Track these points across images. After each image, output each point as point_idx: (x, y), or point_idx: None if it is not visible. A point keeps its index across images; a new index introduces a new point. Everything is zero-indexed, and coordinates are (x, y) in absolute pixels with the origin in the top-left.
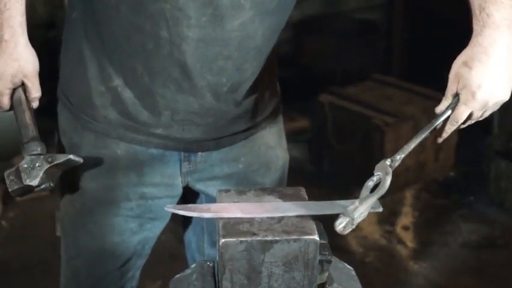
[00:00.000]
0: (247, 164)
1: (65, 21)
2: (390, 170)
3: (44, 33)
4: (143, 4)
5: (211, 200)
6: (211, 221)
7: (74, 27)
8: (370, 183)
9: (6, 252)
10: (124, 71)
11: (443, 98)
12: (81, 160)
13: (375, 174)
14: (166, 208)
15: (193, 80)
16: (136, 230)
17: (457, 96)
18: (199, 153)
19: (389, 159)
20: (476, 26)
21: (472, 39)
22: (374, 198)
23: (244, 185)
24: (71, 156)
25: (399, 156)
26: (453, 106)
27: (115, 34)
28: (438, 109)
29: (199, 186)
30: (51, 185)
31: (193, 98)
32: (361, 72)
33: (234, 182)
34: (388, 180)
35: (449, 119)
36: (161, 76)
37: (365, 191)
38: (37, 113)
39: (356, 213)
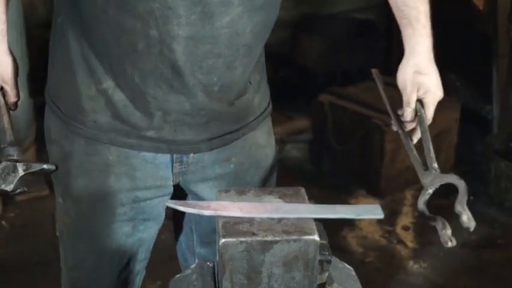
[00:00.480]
0: (238, 164)
1: (52, 27)
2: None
3: (44, 33)
4: (132, 4)
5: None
6: (200, 223)
7: (60, 32)
8: (427, 197)
9: (6, 252)
10: (114, 73)
11: (407, 107)
12: (53, 167)
13: (429, 187)
14: (166, 203)
15: (184, 79)
16: (130, 233)
17: (418, 101)
18: (191, 154)
19: (433, 170)
20: (413, 37)
21: (411, 49)
22: (465, 201)
23: (235, 185)
24: (45, 166)
25: (436, 165)
26: (419, 110)
27: (104, 36)
28: (409, 117)
29: (190, 187)
30: (25, 189)
31: (184, 98)
32: (361, 72)
33: (225, 182)
34: (464, 184)
35: (422, 120)
36: (152, 76)
37: (422, 205)
38: (37, 114)
39: (471, 221)
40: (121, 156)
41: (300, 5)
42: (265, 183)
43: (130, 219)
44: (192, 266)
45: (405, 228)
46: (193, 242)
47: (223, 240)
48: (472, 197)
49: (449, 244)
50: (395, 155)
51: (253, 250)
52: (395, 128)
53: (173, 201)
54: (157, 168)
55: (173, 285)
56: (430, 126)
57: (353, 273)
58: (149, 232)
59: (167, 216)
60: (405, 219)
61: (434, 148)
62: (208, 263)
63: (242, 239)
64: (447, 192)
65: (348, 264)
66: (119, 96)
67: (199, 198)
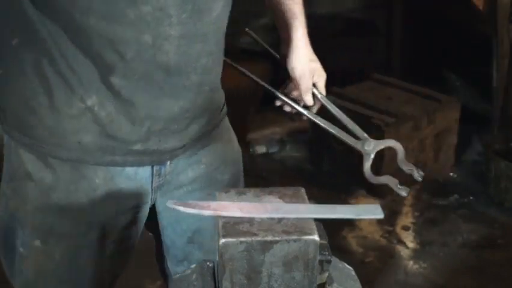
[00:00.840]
0: (208, 164)
1: (2, 54)
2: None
3: None
4: (121, 13)
5: (173, 217)
6: (172, 246)
7: (21, 56)
8: (371, 161)
9: None
10: (99, 88)
11: (305, 92)
12: None
13: (372, 153)
14: (167, 204)
15: (176, 81)
16: (111, 267)
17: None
18: (168, 163)
19: (368, 138)
20: (300, 28)
21: (299, 40)
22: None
23: (207, 186)
24: None
25: (366, 134)
26: (317, 92)
27: (85, 51)
28: (311, 101)
29: (164, 199)
30: None
31: (174, 101)
32: (361, 72)
33: (198, 185)
34: (400, 145)
35: (328, 102)
36: (142, 83)
37: (369, 170)
38: None
39: (420, 172)
40: (107, 177)
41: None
42: (235, 178)
43: (114, 251)
44: (192, 266)
45: (405, 228)
46: (168, 266)
47: (223, 240)
48: (472, 197)
49: (406, 193)
50: (395, 155)
51: (253, 250)
52: (288, 109)
53: (173, 201)
54: (138, 185)
55: (173, 285)
56: (431, 126)
57: (353, 273)
58: (122, 268)
59: None
60: (405, 219)
61: (434, 148)
62: (208, 263)
63: (242, 239)
64: (447, 193)
65: (348, 264)
66: (106, 111)
67: (170, 214)
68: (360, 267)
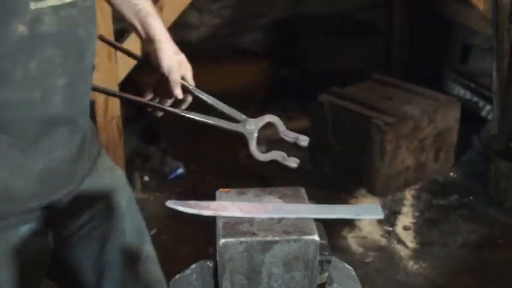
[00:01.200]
0: (99, 198)
1: None
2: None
3: None
4: (7, 75)
5: (77, 256)
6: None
7: None
8: (256, 140)
9: None
10: None
11: (175, 85)
12: None
13: (255, 132)
14: (166, 204)
15: (67, 129)
16: None
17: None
18: (60, 211)
19: (248, 119)
20: (158, 24)
21: (161, 35)
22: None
23: (107, 219)
24: None
25: (244, 115)
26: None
27: None
28: (181, 95)
29: (65, 246)
30: None
31: (66, 149)
32: (361, 72)
33: (98, 220)
34: (278, 118)
35: (191, 90)
36: (35, 140)
37: (256, 150)
38: None
39: (305, 137)
40: (2, 242)
41: (299, 4)
42: (129, 202)
43: None
44: (192, 266)
45: (405, 228)
46: None
47: (223, 240)
48: (472, 197)
49: (295, 164)
50: (395, 155)
51: (253, 250)
52: (160, 114)
53: (173, 201)
54: (35, 242)
55: (173, 285)
56: (431, 126)
57: (353, 273)
58: None
59: (167, 216)
60: (405, 219)
61: (434, 148)
62: (208, 263)
63: (242, 239)
64: (447, 193)
65: (348, 264)
66: None
67: (77, 258)
68: (360, 267)
